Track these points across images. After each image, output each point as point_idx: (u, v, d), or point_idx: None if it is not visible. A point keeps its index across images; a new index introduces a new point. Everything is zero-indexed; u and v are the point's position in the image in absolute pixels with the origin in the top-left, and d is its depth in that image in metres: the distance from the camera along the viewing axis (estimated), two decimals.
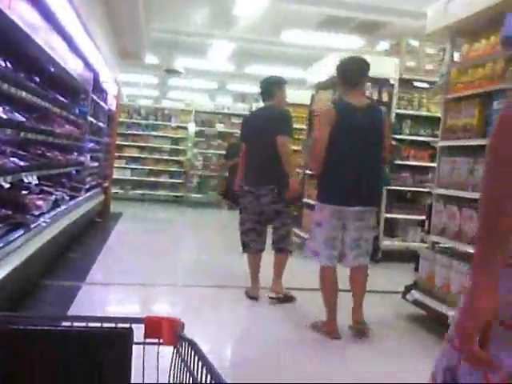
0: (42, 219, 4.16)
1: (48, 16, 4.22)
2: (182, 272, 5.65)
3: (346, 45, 10.17)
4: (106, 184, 9.26)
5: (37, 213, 4.07)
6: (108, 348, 0.97)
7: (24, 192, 4.17)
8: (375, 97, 6.37)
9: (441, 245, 4.20)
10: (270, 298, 4.44)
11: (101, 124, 8.31)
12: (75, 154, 6.47)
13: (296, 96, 8.39)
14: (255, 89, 6.08)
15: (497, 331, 1.05)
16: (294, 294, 4.52)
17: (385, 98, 6.48)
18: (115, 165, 11.15)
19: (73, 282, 4.63)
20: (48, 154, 4.93)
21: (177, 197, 13.07)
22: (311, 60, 8.51)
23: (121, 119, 12.04)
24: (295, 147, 5.66)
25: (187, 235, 8.85)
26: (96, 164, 8.08)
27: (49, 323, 1.00)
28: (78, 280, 4.66)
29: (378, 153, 3.75)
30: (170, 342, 1.02)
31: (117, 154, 11.45)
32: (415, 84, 6.67)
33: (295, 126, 5.07)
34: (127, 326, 1.00)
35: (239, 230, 4.67)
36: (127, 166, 12.87)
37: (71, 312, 3.68)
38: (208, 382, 0.85)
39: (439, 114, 4.54)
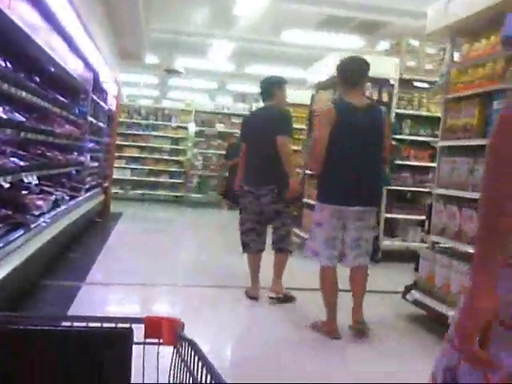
0: (42, 219, 4.15)
1: (48, 16, 4.21)
2: (182, 272, 5.65)
3: (346, 45, 10.16)
4: (106, 184, 9.26)
5: (37, 213, 4.06)
6: (108, 348, 0.97)
7: (24, 192, 4.17)
8: (375, 97, 6.37)
9: (441, 245, 4.20)
10: (270, 298, 4.44)
11: (101, 124, 8.30)
12: (75, 153, 6.46)
13: (296, 96, 8.39)
14: (255, 89, 6.07)
15: (497, 331, 1.05)
16: (294, 294, 4.52)
17: (385, 98, 6.48)
18: (115, 165, 11.14)
19: (73, 282, 4.63)
20: (48, 153, 4.92)
21: (177, 197, 13.06)
22: (311, 60, 8.50)
23: (121, 119, 12.03)
24: (295, 147, 5.66)
25: (187, 235, 8.85)
26: (96, 164, 8.07)
27: (49, 323, 1.00)
28: (78, 280, 4.66)
29: (378, 153, 3.75)
30: (170, 342, 1.02)
31: (117, 154, 11.44)
32: (415, 84, 6.67)
33: (295, 126, 5.07)
34: (127, 326, 1.00)
35: (239, 230, 4.67)
36: (127, 165, 12.86)
37: (71, 312, 3.68)
38: (208, 382, 0.85)
39: (439, 114, 4.54)
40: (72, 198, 5.81)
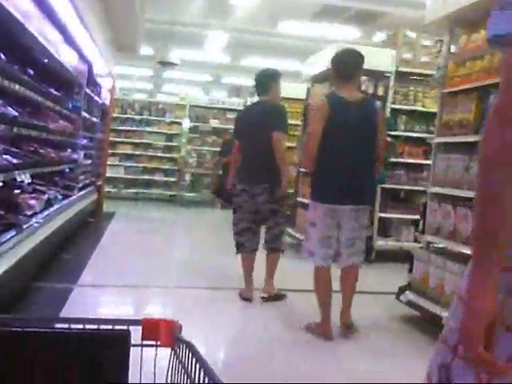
0: (34, 219, 4.08)
1: (42, 5, 4.08)
2: (176, 273, 5.63)
3: (342, 35, 9.94)
4: (99, 182, 9.12)
5: (29, 213, 3.99)
6: (106, 350, 0.97)
7: (16, 191, 4.09)
8: (371, 90, 6.27)
9: (435, 245, 4.18)
10: (262, 297, 4.42)
11: (94, 119, 8.06)
12: (68, 150, 6.30)
13: (291, 90, 8.20)
14: (250, 82, 6.00)
15: (503, 337, 1.03)
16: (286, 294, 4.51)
17: (380, 92, 6.37)
18: (108, 162, 10.91)
19: (65, 284, 4.57)
20: (41, 150, 4.79)
21: (170, 196, 12.98)
22: (308, 52, 8.35)
23: (114, 114, 11.71)
24: (290, 144, 5.57)
25: (180, 235, 8.83)
26: (89, 161, 7.89)
27: (45, 325, 0.99)
28: (71, 282, 4.61)
29: (371, 149, 3.66)
30: (168, 344, 1.02)
31: (110, 151, 11.26)
32: (411, 77, 6.55)
33: (290, 121, 4.87)
34: (125, 327, 0.99)
35: (233, 230, 4.60)
36: (121, 163, 12.65)
37: (63, 315, 3.64)
38: (205, 383, 0.83)
39: (435, 110, 4.44)
40: (65, 197, 5.72)
